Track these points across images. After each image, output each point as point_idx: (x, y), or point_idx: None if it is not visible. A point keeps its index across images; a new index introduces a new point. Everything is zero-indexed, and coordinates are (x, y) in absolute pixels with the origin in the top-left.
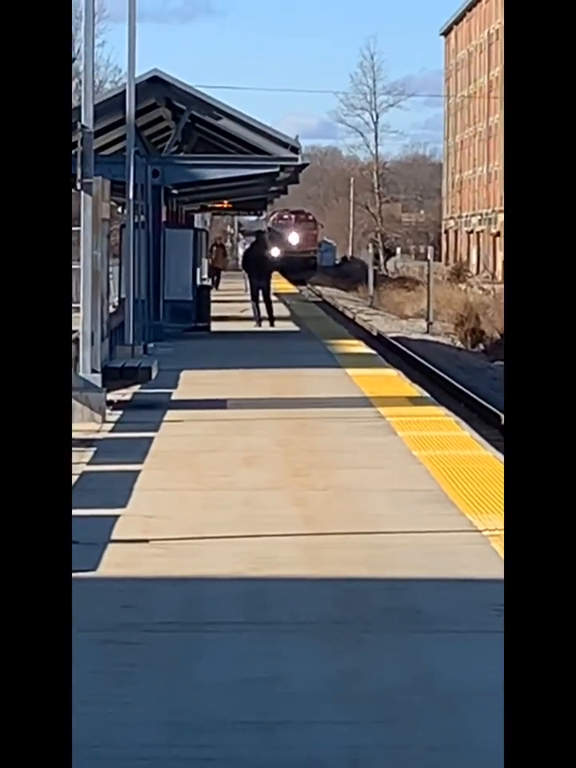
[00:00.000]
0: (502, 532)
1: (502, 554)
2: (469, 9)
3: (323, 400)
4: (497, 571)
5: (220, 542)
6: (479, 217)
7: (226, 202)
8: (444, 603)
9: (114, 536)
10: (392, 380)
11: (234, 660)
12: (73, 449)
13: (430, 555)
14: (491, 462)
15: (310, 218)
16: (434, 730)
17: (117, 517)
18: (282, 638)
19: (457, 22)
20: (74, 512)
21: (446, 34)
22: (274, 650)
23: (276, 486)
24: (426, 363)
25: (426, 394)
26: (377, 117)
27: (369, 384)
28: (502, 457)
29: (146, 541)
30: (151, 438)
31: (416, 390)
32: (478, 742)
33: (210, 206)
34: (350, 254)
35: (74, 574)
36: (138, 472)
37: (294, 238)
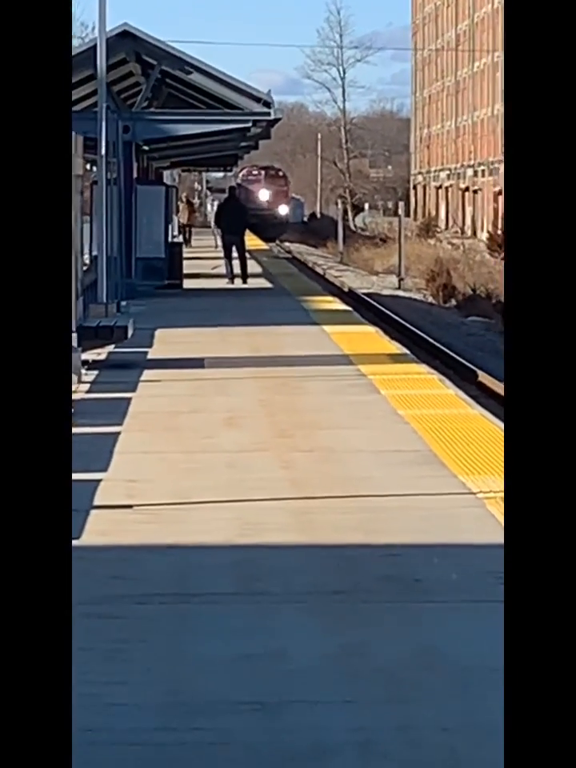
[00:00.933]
0: (497, 494)
1: (498, 518)
2: None
3: (302, 358)
4: (495, 536)
5: (207, 507)
6: (448, 172)
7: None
8: (443, 571)
9: (96, 502)
10: (370, 337)
11: (229, 634)
12: None
13: (426, 520)
14: (479, 420)
15: (281, 174)
16: (445, 710)
17: (99, 481)
18: (277, 609)
19: None
20: None
21: None
22: (270, 623)
23: (260, 448)
24: (400, 319)
25: (406, 351)
26: (344, 72)
27: (347, 341)
28: (489, 416)
29: (130, 506)
30: (129, 399)
31: (395, 347)
32: (491, 721)
33: (180, 161)
34: (318, 210)
35: None
36: (117, 434)
37: (263, 194)
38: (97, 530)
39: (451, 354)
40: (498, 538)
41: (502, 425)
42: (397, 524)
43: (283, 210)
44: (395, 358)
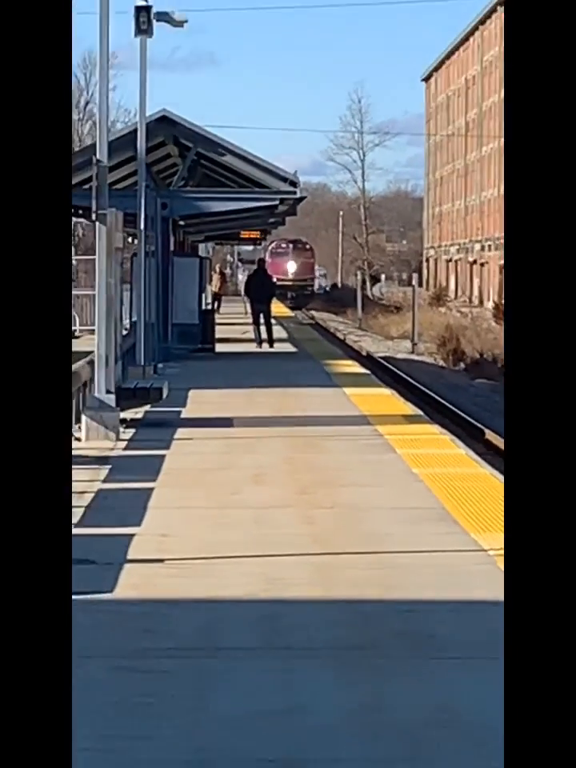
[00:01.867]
0: None
1: None
2: (447, 57)
3: (323, 418)
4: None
5: (233, 561)
6: (457, 246)
7: (233, 233)
8: (457, 628)
9: (130, 555)
10: (387, 399)
11: (252, 690)
12: (89, 467)
13: (440, 576)
14: (488, 479)
15: (307, 246)
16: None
17: (132, 536)
18: (298, 665)
19: (437, 68)
20: (91, 531)
21: (426, 79)
22: (291, 678)
23: (284, 504)
24: (414, 381)
25: (420, 412)
26: (363, 155)
27: (365, 402)
28: (497, 474)
29: (161, 561)
30: (163, 456)
31: (410, 408)
32: None
33: (213, 235)
34: (339, 280)
35: (91, 596)
36: (151, 489)
37: (291, 266)
38: (130, 584)
39: (460, 413)
40: None
41: None
42: (412, 580)
43: (310, 280)
44: (410, 419)
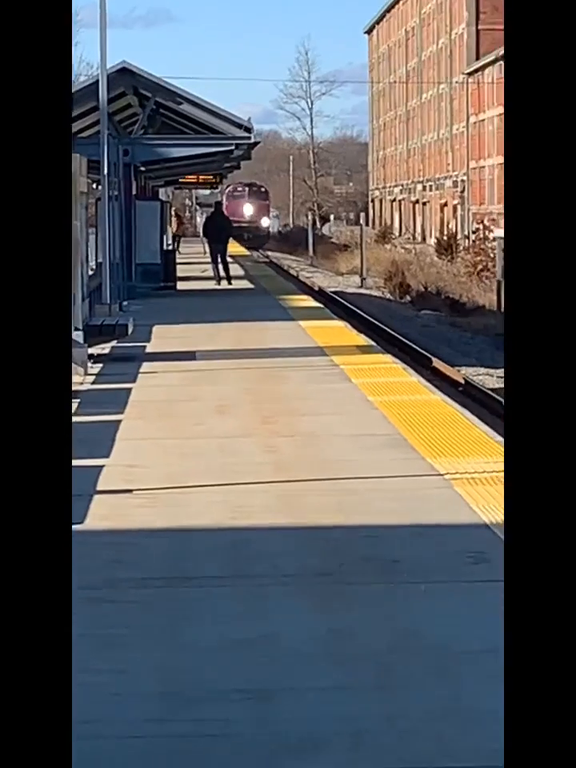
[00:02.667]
0: (462, 476)
1: (465, 499)
2: (388, 10)
3: (281, 350)
4: (463, 517)
5: (199, 490)
6: (400, 187)
7: (190, 177)
8: (419, 551)
9: (99, 487)
10: (340, 330)
11: (223, 619)
12: None
13: (399, 500)
14: (441, 405)
15: (263, 189)
16: (432, 697)
17: (101, 467)
18: (267, 592)
19: (378, 21)
20: None
21: (369, 32)
22: (261, 606)
23: (247, 434)
24: (364, 314)
25: (373, 343)
26: (311, 104)
27: (320, 334)
28: (449, 401)
29: (130, 491)
30: (130, 389)
31: (363, 339)
32: (476, 707)
33: (173, 180)
34: (291, 221)
35: None
36: (119, 422)
37: (247, 208)
38: (99, 514)
39: (409, 343)
40: (467, 518)
41: (459, 408)
42: (373, 505)
43: (265, 222)
44: (363, 349)
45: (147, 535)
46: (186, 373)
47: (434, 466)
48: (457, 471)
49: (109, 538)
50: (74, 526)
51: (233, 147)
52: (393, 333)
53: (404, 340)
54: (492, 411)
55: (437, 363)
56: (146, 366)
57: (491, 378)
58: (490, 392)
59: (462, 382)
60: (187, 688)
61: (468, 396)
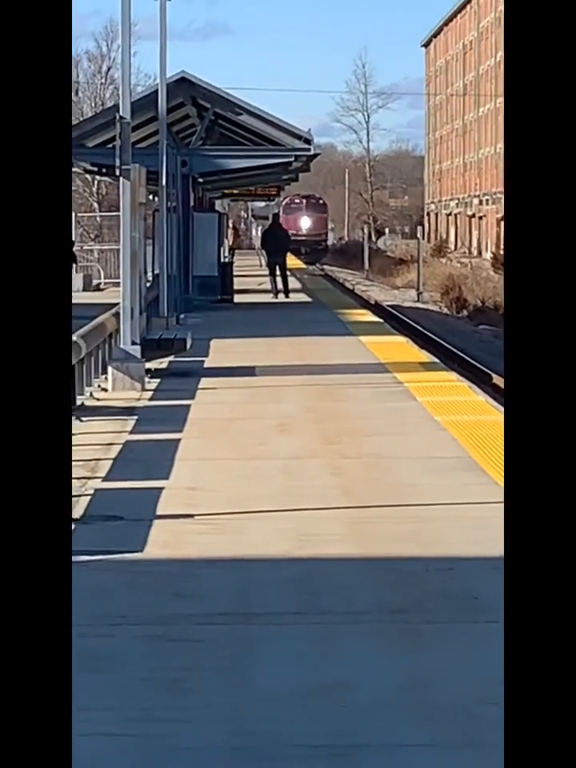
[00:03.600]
0: None
1: None
2: (446, 23)
3: (342, 366)
4: None
5: (263, 516)
6: (456, 201)
7: (247, 189)
8: (499, 587)
9: (158, 511)
10: (401, 346)
11: (292, 661)
12: (116, 418)
13: (475, 530)
14: None
15: (321, 202)
16: None
17: (161, 489)
18: (339, 632)
19: (435, 34)
20: (120, 485)
21: (426, 45)
22: (333, 648)
23: (311, 455)
24: (422, 329)
25: (436, 360)
26: (368, 117)
27: (381, 350)
28: None
29: (191, 516)
30: (188, 406)
31: (425, 356)
32: None
33: (230, 191)
34: (346, 234)
35: (121, 555)
36: (178, 441)
37: (305, 221)
38: (159, 541)
39: (467, 358)
40: None
41: None
42: (448, 534)
43: (324, 235)
44: (426, 366)
45: (210, 565)
46: (245, 389)
47: None
48: None
49: (170, 567)
50: (133, 554)
51: (292, 159)
52: (451, 348)
53: (462, 355)
54: None
55: (497, 380)
56: (204, 382)
57: None
58: None
59: None
60: (259, 742)
61: None
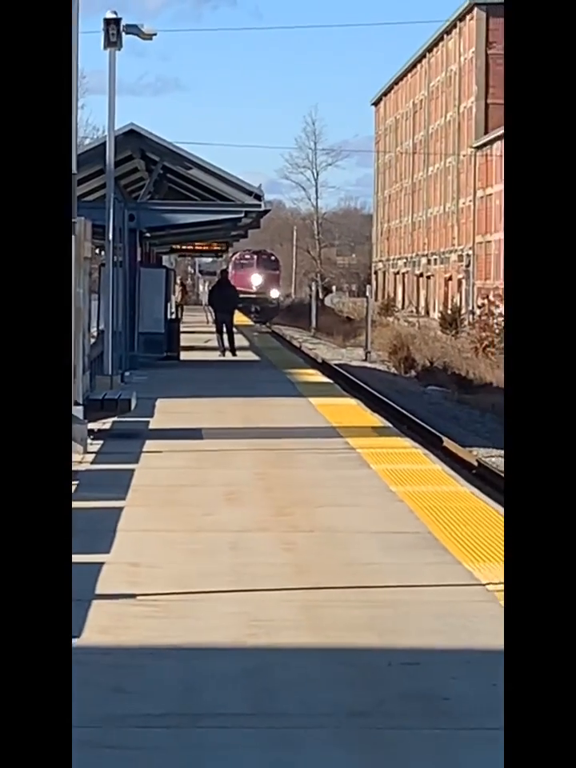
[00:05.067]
0: None
1: None
2: (396, 82)
3: (293, 430)
4: None
5: (211, 598)
6: (404, 260)
7: (193, 244)
8: (470, 686)
9: (98, 589)
10: (353, 409)
11: None
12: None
13: (439, 618)
14: (470, 499)
15: (273, 258)
16: None
17: (101, 565)
18: (296, 739)
19: (386, 93)
20: None
21: (376, 103)
22: (292, 758)
23: (261, 527)
24: (371, 389)
25: (388, 424)
26: (317, 174)
27: (332, 413)
28: (478, 493)
29: (133, 596)
30: (132, 471)
31: (378, 420)
32: None
33: (179, 247)
34: (293, 292)
35: None
36: (120, 509)
37: (256, 278)
38: (99, 626)
39: (419, 422)
40: None
41: (491, 502)
42: (410, 622)
43: (275, 293)
44: (379, 431)
45: (153, 654)
46: (192, 452)
47: (473, 573)
48: (500, 580)
49: (109, 657)
50: None
51: (242, 215)
52: (402, 410)
53: (413, 418)
54: None
55: (448, 443)
56: (149, 444)
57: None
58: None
59: (476, 463)
60: None
61: (483, 479)
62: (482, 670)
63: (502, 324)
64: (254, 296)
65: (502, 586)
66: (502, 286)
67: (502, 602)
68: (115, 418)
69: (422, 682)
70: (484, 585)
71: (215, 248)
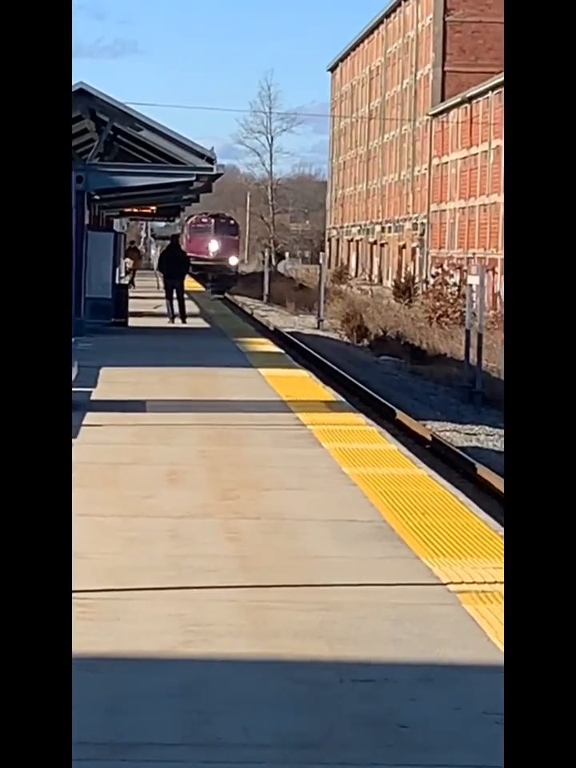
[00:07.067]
0: (470, 588)
1: (478, 621)
2: (352, 48)
3: (241, 403)
4: (480, 652)
5: (145, 596)
6: (358, 227)
7: (141, 208)
8: (431, 710)
9: None
10: (304, 381)
11: None
12: None
13: (397, 623)
14: (428, 483)
15: (232, 222)
16: None
17: None
18: None
19: (342, 59)
20: None
21: (332, 69)
22: None
23: (204, 513)
24: (323, 359)
25: (341, 399)
26: (271, 139)
27: (283, 386)
28: (435, 476)
29: None
30: None
31: (330, 394)
32: None
33: (128, 211)
34: (246, 257)
35: None
36: None
37: (213, 244)
38: None
39: (372, 393)
40: (485, 654)
41: (450, 487)
42: (364, 628)
43: (233, 260)
44: (332, 406)
45: (78, 666)
46: (134, 427)
47: (433, 570)
48: (462, 580)
49: None
50: None
51: (194, 178)
52: (355, 381)
53: (366, 389)
54: (464, 475)
55: (401, 416)
56: (89, 417)
57: (459, 435)
58: (459, 452)
59: (430, 438)
60: None
61: (436, 455)
62: (445, 689)
63: (456, 294)
64: (210, 263)
65: (463, 588)
66: (456, 256)
67: (465, 606)
68: None
69: (378, 703)
70: (445, 584)
71: (166, 213)
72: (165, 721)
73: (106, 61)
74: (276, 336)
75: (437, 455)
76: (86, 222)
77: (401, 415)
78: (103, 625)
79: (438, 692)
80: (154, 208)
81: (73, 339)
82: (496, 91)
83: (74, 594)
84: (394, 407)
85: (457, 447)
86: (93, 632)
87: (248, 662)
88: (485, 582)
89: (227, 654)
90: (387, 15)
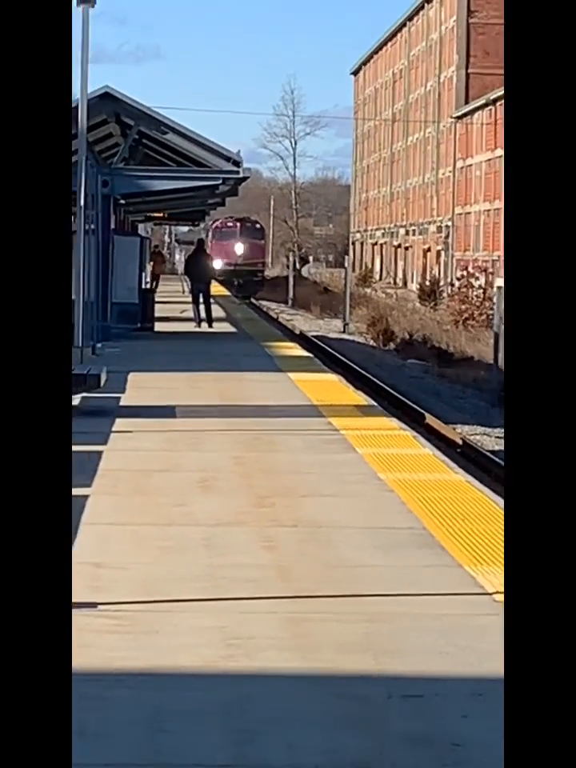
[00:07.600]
0: None
1: None
2: (376, 51)
3: (272, 408)
4: None
5: (182, 607)
6: (382, 231)
7: (166, 212)
8: (485, 727)
9: None
10: (334, 385)
11: None
12: None
13: (444, 635)
14: (466, 489)
15: (257, 226)
16: None
17: None
18: None
19: (365, 62)
20: None
21: (355, 73)
22: None
23: (239, 520)
24: (350, 362)
25: (373, 403)
26: (295, 143)
27: (313, 390)
28: (473, 481)
29: (94, 605)
30: (100, 453)
31: (361, 398)
32: None
33: (153, 216)
34: (269, 261)
35: None
36: (86, 497)
37: (239, 248)
38: None
39: (403, 399)
40: None
41: (489, 493)
42: (411, 641)
43: (260, 265)
44: (364, 410)
45: (114, 682)
46: (164, 433)
47: (477, 579)
48: None
49: None
50: None
51: (220, 181)
52: (382, 385)
53: (394, 393)
54: (496, 479)
55: (431, 420)
56: (119, 424)
57: (489, 439)
58: (490, 455)
59: (460, 442)
60: None
61: (467, 459)
62: (497, 706)
63: (482, 297)
64: (238, 267)
65: None
66: (481, 258)
67: None
68: (84, 394)
69: (429, 720)
70: (490, 594)
71: (191, 218)
72: (208, 741)
73: (128, 66)
74: (302, 340)
75: (468, 459)
76: (112, 226)
77: (430, 419)
78: (138, 638)
79: (490, 709)
80: (179, 212)
81: (100, 344)
82: None
83: (108, 607)
84: (423, 411)
85: (488, 451)
86: (130, 646)
87: (291, 675)
88: None
89: (270, 668)
90: (410, 18)
